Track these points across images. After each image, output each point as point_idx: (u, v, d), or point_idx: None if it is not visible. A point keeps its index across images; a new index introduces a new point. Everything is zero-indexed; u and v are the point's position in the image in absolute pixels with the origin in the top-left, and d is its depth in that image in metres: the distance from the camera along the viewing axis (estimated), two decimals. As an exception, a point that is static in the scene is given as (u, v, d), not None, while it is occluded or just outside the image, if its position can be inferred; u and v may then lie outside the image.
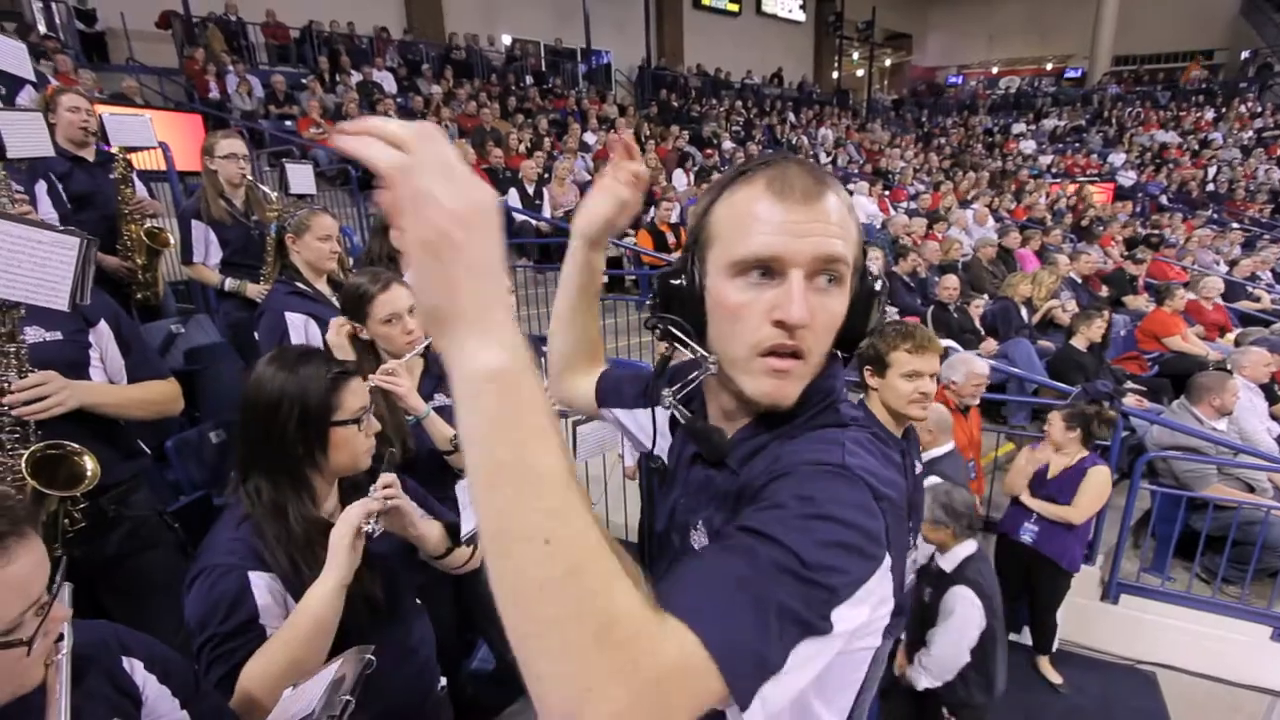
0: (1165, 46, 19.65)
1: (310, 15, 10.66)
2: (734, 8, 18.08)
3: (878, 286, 0.71)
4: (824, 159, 11.94)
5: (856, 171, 11.26)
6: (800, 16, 19.94)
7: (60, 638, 0.72)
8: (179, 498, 2.22)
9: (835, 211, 0.65)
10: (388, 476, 1.20)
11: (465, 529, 1.34)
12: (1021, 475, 3.04)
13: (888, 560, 0.57)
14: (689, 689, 0.45)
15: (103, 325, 1.53)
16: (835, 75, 20.07)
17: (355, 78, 9.61)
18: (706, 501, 0.70)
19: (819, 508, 0.54)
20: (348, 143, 0.45)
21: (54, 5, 8.76)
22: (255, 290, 2.92)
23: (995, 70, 22.66)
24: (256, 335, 2.34)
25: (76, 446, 1.39)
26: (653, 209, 6.63)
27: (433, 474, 1.60)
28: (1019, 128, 17.04)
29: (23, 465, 1.32)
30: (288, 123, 8.06)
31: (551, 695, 0.40)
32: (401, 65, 10.95)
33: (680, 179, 8.80)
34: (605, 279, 1.01)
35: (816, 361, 0.67)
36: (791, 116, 14.75)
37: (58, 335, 1.44)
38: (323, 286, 2.42)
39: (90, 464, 1.38)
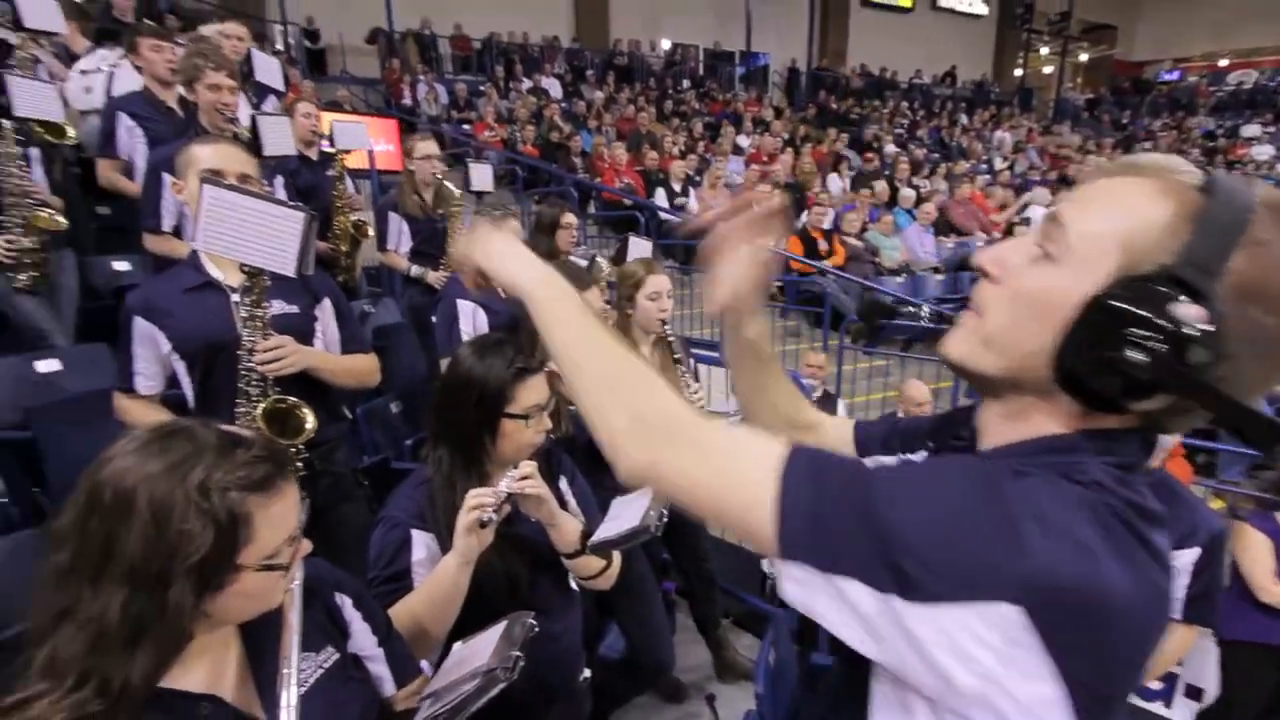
0: None
1: (492, 27, 11.59)
2: (907, 3, 17.07)
3: (1133, 307, 0.49)
4: (999, 164, 10.91)
5: (1038, 178, 10.17)
6: (982, 10, 18.38)
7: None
8: (362, 458, 2.52)
9: (1100, 188, 0.56)
10: (526, 466, 1.22)
11: (596, 537, 1.33)
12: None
13: (1014, 613, 0.44)
14: (734, 482, 0.55)
15: (326, 302, 1.77)
16: (1019, 73, 18.26)
17: (526, 84, 10.30)
18: None
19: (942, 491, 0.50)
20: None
21: (289, 26, 10.29)
22: (435, 277, 3.24)
23: (1224, 63, 19.38)
24: (434, 319, 2.59)
25: (299, 400, 1.61)
26: (805, 214, 6.45)
27: (590, 464, 1.67)
28: (1251, 130, 14.44)
29: (258, 415, 1.56)
30: (465, 126, 8.83)
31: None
32: (568, 72, 11.57)
33: (835, 183, 8.47)
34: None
35: (992, 332, 0.57)
36: (964, 118, 13.65)
37: (295, 309, 1.69)
38: (495, 279, 2.63)
39: (310, 418, 1.60)
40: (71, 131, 2.81)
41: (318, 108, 3.62)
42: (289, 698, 0.76)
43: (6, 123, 2.43)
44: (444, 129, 8.40)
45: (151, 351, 1.60)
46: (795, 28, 14.67)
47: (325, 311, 1.77)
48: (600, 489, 1.52)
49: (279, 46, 9.35)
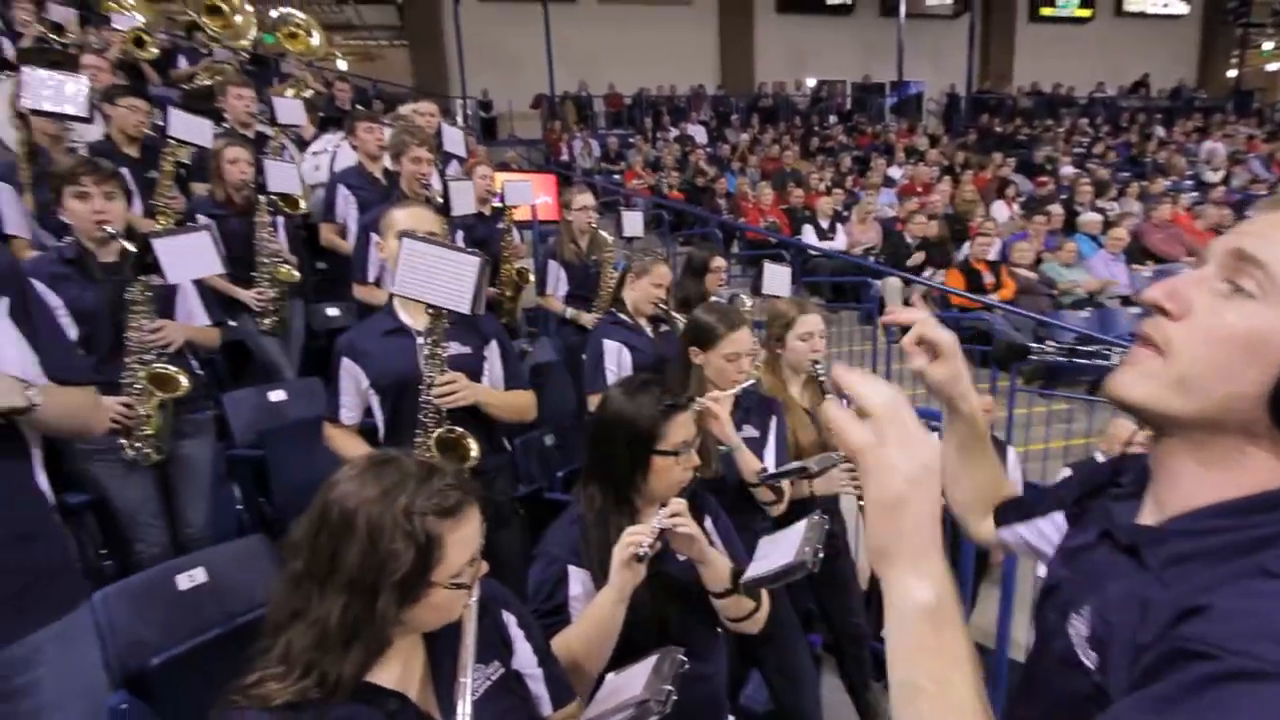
0: None
1: (642, 83, 12.31)
2: (1084, 13, 15.57)
3: None
4: (1211, 179, 9.44)
5: (1266, 192, 8.64)
6: (1181, 9, 16.25)
7: (470, 587, 0.93)
8: (519, 487, 2.70)
9: None
10: (676, 504, 1.24)
11: (749, 574, 1.31)
12: None
13: None
14: None
15: (494, 343, 1.95)
16: (1233, 74, 15.82)
17: (673, 133, 10.75)
18: (1100, 590, 0.60)
19: None
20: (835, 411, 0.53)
21: (468, 100, 11.70)
22: (588, 319, 3.44)
23: None
24: (584, 357, 2.75)
25: (465, 431, 1.77)
26: (966, 245, 6.00)
27: (739, 505, 1.66)
28: None
29: (431, 442, 1.74)
30: (615, 176, 9.37)
31: None
32: (713, 118, 11.90)
33: (1000, 210, 7.80)
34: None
35: (1185, 372, 0.54)
36: (1160, 130, 12.03)
37: (468, 349, 1.88)
38: (643, 321, 2.75)
39: (475, 447, 1.76)
40: (304, 203, 3.40)
41: (491, 169, 4.05)
42: (464, 706, 0.84)
43: (263, 197, 3.00)
44: (596, 180, 8.97)
45: (354, 386, 1.86)
46: (953, 53, 13.94)
47: (493, 352, 1.95)
48: (747, 531, 1.50)
49: (459, 118, 10.62)
